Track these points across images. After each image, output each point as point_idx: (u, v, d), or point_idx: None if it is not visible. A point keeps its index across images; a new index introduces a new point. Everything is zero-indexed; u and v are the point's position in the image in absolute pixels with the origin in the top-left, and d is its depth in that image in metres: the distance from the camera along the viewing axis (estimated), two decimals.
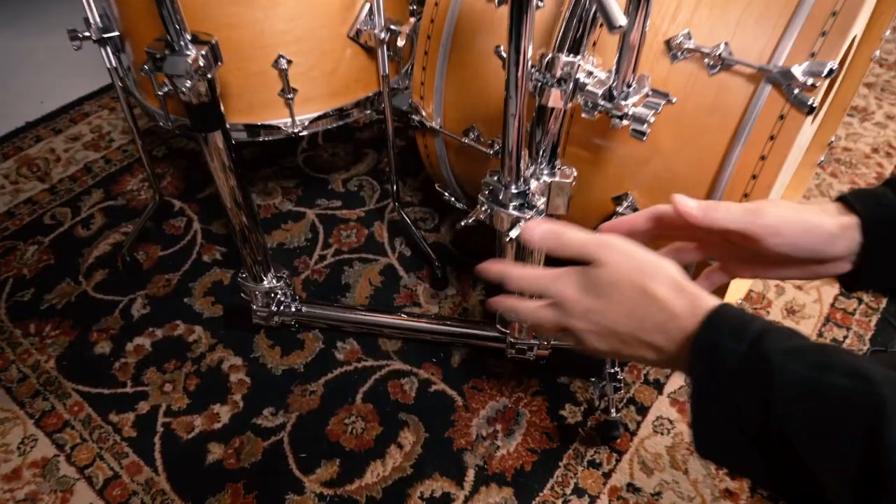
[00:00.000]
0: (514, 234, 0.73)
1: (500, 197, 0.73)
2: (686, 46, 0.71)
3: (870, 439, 0.37)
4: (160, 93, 0.93)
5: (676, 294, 0.48)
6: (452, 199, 1.15)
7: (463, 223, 0.75)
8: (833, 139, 1.13)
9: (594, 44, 0.72)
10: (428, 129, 0.97)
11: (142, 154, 1.10)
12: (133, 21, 0.91)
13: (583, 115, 0.68)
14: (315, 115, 0.95)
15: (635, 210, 0.82)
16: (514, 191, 0.72)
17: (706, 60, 0.70)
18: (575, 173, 0.76)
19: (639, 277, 0.49)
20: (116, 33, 0.94)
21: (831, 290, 1.16)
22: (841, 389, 0.39)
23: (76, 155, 1.47)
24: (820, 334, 1.09)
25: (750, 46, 0.68)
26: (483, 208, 0.75)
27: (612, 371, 0.92)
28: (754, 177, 0.69)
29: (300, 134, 0.95)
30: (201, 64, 0.72)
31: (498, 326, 1.01)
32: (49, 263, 1.23)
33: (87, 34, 0.93)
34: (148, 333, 1.11)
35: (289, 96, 0.91)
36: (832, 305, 1.14)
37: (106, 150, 1.49)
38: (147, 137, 1.51)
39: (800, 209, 0.53)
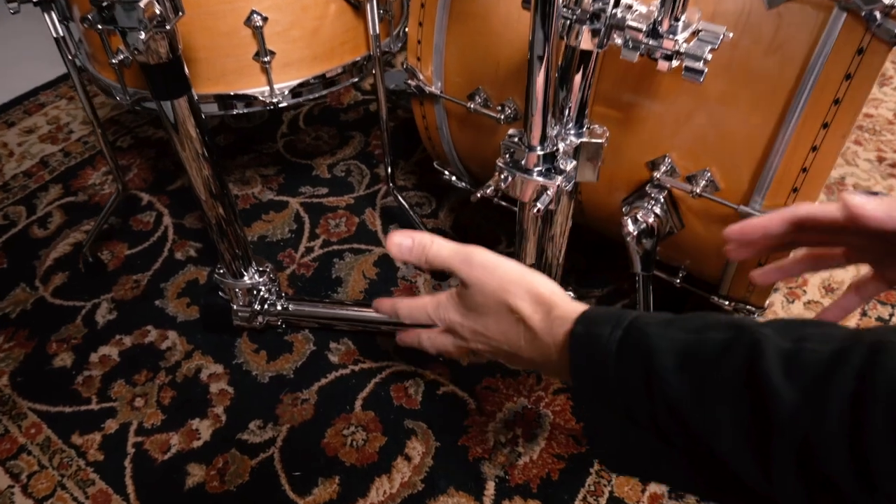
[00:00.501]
0: (540, 204, 0.61)
1: (523, 161, 0.62)
2: None
3: (750, 380, 0.34)
4: (114, 61, 0.80)
5: (534, 308, 0.48)
6: (453, 177, 1.03)
7: (479, 193, 0.63)
8: None
9: None
10: (426, 96, 0.85)
11: (101, 142, 0.96)
12: None
13: (622, 55, 0.57)
14: (296, 82, 0.83)
15: (673, 174, 0.70)
16: (540, 153, 0.61)
17: None
18: (607, 133, 0.65)
19: (502, 296, 0.49)
20: None
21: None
22: (719, 343, 0.36)
23: (31, 148, 1.33)
24: (864, 313, 0.99)
25: None
26: (502, 175, 0.63)
27: None
28: (825, 125, 0.58)
29: (280, 105, 0.83)
30: (157, 11, 0.60)
31: None
32: (1, 268, 1.09)
33: None
34: (115, 342, 0.98)
35: (265, 59, 0.79)
36: None
37: (64, 142, 1.35)
38: (111, 127, 1.38)
39: None
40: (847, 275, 1.05)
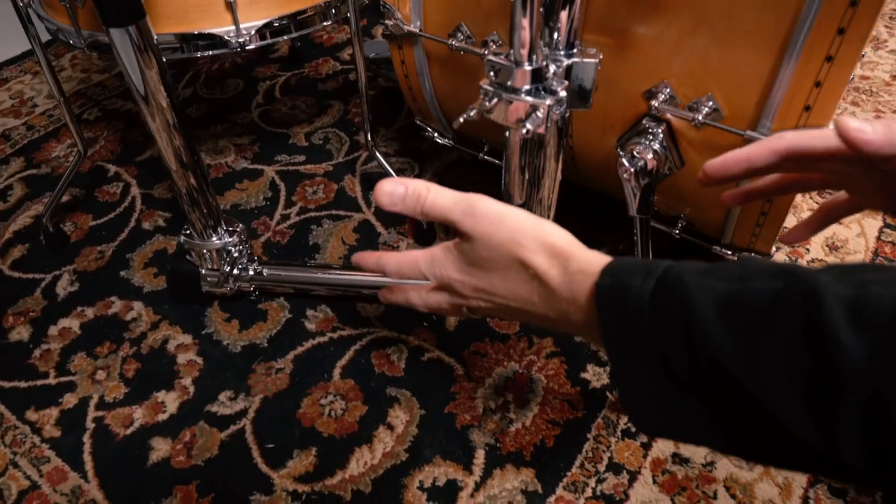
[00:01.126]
0: (530, 126, 0.55)
1: (510, 80, 0.56)
2: None
3: (809, 332, 0.30)
4: None
5: (550, 262, 0.43)
6: (435, 134, 0.97)
7: (462, 118, 0.57)
8: (864, 52, 0.98)
9: None
10: (404, 36, 0.80)
11: (62, 105, 0.90)
12: None
13: None
14: (264, 21, 0.77)
15: (673, 103, 0.65)
16: (528, 68, 0.55)
17: None
18: (601, 55, 0.59)
19: (513, 250, 0.44)
20: None
21: (874, 223, 1.01)
22: (767, 292, 0.32)
23: None
24: None
25: None
26: (487, 97, 0.57)
27: None
28: (841, 31, 0.53)
29: (246, 46, 0.76)
30: None
31: None
32: None
33: None
34: (76, 314, 0.91)
35: None
36: (878, 239, 0.99)
37: (28, 115, 1.28)
38: (77, 100, 1.31)
39: None
40: (851, 233, 1.00)
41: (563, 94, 0.58)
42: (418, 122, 0.97)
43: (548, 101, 0.55)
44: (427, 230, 0.98)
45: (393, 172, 0.97)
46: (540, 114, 0.55)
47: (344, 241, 1.01)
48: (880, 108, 1.23)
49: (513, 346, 0.86)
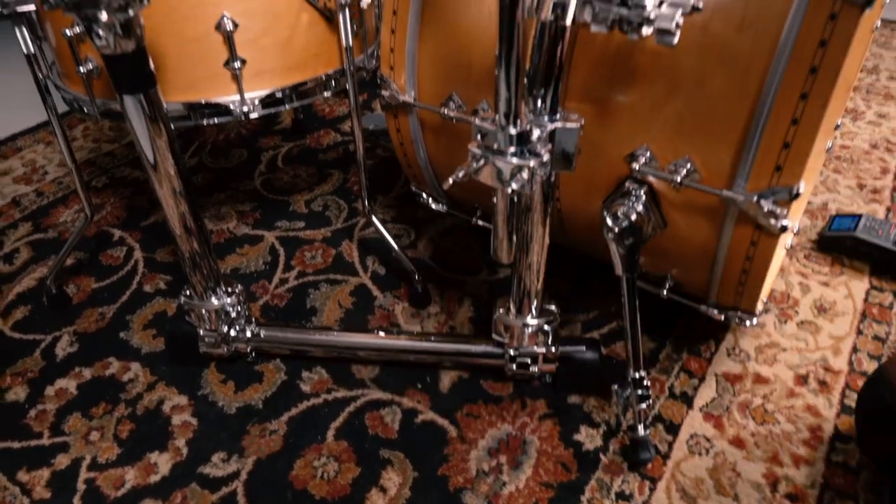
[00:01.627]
0: (515, 185, 0.58)
1: (496, 144, 0.59)
2: None
3: None
4: (83, 69, 0.78)
5: None
6: (430, 200, 1.01)
7: (451, 180, 0.61)
8: (840, 122, 1.03)
9: None
10: (400, 106, 0.84)
11: (73, 171, 0.94)
12: None
13: (592, 29, 0.55)
14: (267, 91, 0.81)
15: (653, 165, 0.68)
16: (513, 132, 0.58)
17: None
18: (582, 120, 0.63)
19: None
20: (32, 7, 0.81)
21: (861, 285, 1.03)
22: None
23: (4, 189, 1.31)
24: (859, 331, 0.95)
25: None
26: (475, 159, 0.60)
27: (637, 376, 0.76)
28: (804, 96, 0.57)
29: (251, 115, 0.81)
30: None
31: (494, 336, 0.85)
32: None
33: None
34: (74, 374, 0.92)
35: (236, 66, 0.78)
36: (866, 301, 1.00)
37: (39, 182, 1.32)
38: (87, 168, 1.36)
39: None
40: (839, 295, 1.01)
41: (546, 156, 0.61)
42: (414, 189, 1.01)
43: (532, 163, 0.59)
44: (422, 293, 1.00)
45: (390, 238, 1.00)
46: (525, 174, 0.58)
47: (340, 304, 1.02)
48: (861, 174, 1.27)
49: (506, 408, 0.86)
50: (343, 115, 1.54)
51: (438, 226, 1.17)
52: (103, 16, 0.58)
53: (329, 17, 0.83)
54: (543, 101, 0.63)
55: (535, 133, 0.61)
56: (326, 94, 0.87)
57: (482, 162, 0.60)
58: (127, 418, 0.86)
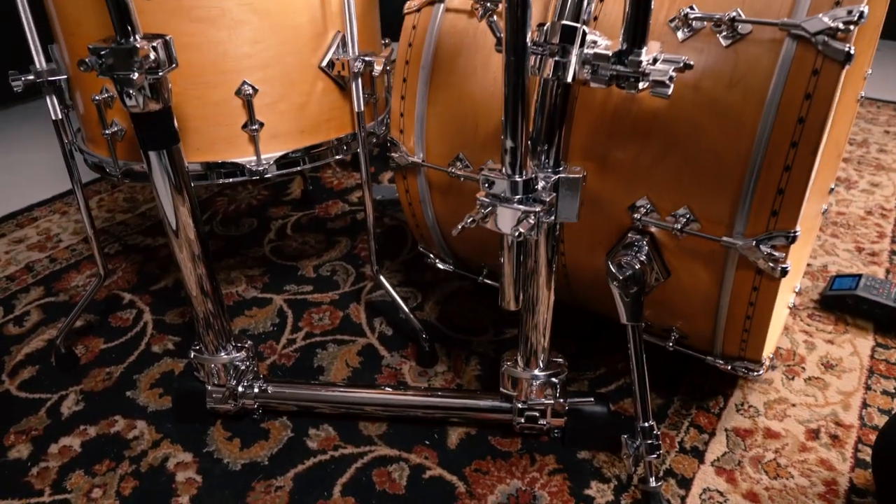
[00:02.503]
0: (522, 230, 0.61)
1: (502, 192, 0.62)
2: (694, 16, 0.64)
3: None
4: (108, 132, 0.83)
5: None
6: (437, 261, 1.03)
7: (460, 226, 0.63)
8: (833, 186, 1.07)
9: (595, 18, 0.65)
10: (409, 167, 0.88)
11: (87, 227, 0.97)
12: (84, 74, 0.83)
13: (591, 84, 0.60)
14: (282, 152, 0.85)
15: (655, 217, 0.71)
16: (519, 179, 0.62)
17: (719, 30, 0.64)
18: (585, 172, 0.66)
19: None
20: (64, 76, 0.86)
21: (866, 342, 1.04)
22: None
23: (18, 256, 1.33)
24: (868, 387, 0.95)
25: (764, 8, 0.62)
26: (483, 207, 0.63)
27: (647, 426, 0.76)
28: (794, 144, 0.60)
29: (265, 175, 0.85)
30: (151, 57, 0.63)
31: (502, 390, 0.85)
32: None
33: (30, 77, 0.84)
34: (78, 432, 0.92)
35: (254, 128, 0.82)
36: (872, 357, 1.01)
37: (52, 249, 1.35)
38: (100, 235, 1.39)
39: None
40: (844, 352, 1.02)
41: (552, 202, 0.64)
42: (421, 249, 1.03)
43: (537, 208, 0.61)
44: (429, 352, 1.01)
45: (397, 297, 1.02)
46: (531, 220, 0.61)
47: (348, 363, 1.03)
48: (858, 239, 1.30)
49: (515, 463, 0.85)
50: (350, 187, 1.59)
51: (444, 289, 1.19)
52: (135, 76, 0.62)
53: (342, 85, 0.88)
54: (547, 156, 0.66)
55: (541, 183, 0.65)
56: (338, 156, 0.91)
57: (489, 210, 0.63)
58: (130, 475, 0.85)
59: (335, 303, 1.17)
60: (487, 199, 0.63)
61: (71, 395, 0.98)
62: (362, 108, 0.87)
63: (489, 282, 0.97)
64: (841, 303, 1.10)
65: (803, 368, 0.99)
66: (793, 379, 0.97)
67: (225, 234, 1.40)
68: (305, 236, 1.38)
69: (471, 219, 0.63)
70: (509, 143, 0.61)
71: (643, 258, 0.72)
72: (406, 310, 1.01)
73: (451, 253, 0.99)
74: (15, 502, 0.82)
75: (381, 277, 1.01)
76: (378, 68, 0.83)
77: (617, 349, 1.03)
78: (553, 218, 0.66)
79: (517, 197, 0.62)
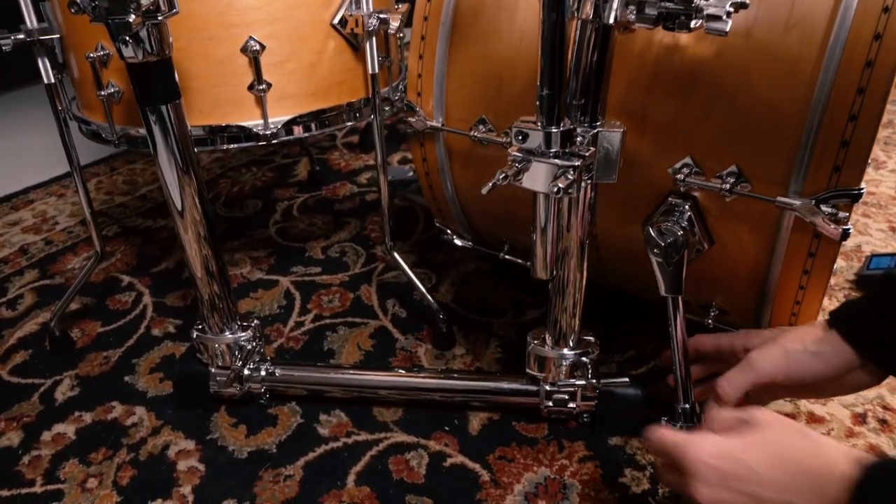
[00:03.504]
0: (562, 185, 0.55)
1: (537, 145, 0.56)
2: None
3: None
4: (103, 93, 0.77)
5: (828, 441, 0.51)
6: (454, 237, 0.97)
7: (490, 185, 0.57)
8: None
9: None
10: (427, 133, 0.82)
11: (83, 202, 0.91)
12: (78, 31, 0.77)
13: (636, 25, 0.54)
14: (291, 116, 0.79)
15: (700, 179, 0.65)
16: (556, 130, 0.56)
17: None
18: (625, 127, 0.60)
19: (814, 445, 0.50)
20: (57, 36, 0.80)
21: None
22: None
23: (12, 238, 1.28)
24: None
25: None
26: (515, 163, 0.57)
27: (687, 407, 0.69)
28: (861, 90, 0.54)
29: (273, 140, 0.79)
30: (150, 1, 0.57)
31: (528, 371, 0.79)
32: None
33: (20, 37, 0.78)
34: (73, 419, 0.86)
35: (260, 88, 0.76)
36: None
37: (48, 232, 1.30)
38: (98, 217, 1.33)
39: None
40: None
41: (591, 158, 0.58)
42: (438, 224, 0.97)
43: (577, 162, 0.55)
44: (447, 334, 0.95)
45: (412, 275, 0.96)
46: (570, 175, 0.55)
47: (360, 346, 0.97)
48: (891, 218, 1.24)
49: (542, 450, 0.79)
50: (359, 169, 1.53)
51: (461, 270, 1.13)
52: (132, 19, 0.56)
53: (355, 46, 0.82)
54: (584, 111, 0.60)
55: (578, 137, 0.59)
56: (349, 123, 0.85)
57: (523, 165, 0.57)
58: (128, 464, 0.79)
59: (345, 284, 1.11)
60: (521, 155, 0.57)
61: (66, 380, 0.92)
62: (377, 70, 0.82)
63: (510, 258, 0.91)
64: None
65: None
66: None
67: (229, 215, 1.35)
68: (313, 217, 1.32)
69: (503, 174, 0.57)
70: (546, 91, 0.55)
71: (685, 224, 0.66)
72: (422, 288, 0.95)
73: (469, 228, 0.93)
74: (4, 492, 0.76)
75: (395, 254, 0.95)
76: (394, 25, 0.77)
77: (644, 330, 0.97)
78: (592, 176, 0.60)
79: (553, 151, 0.56)
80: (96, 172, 1.55)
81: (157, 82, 0.62)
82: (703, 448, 0.53)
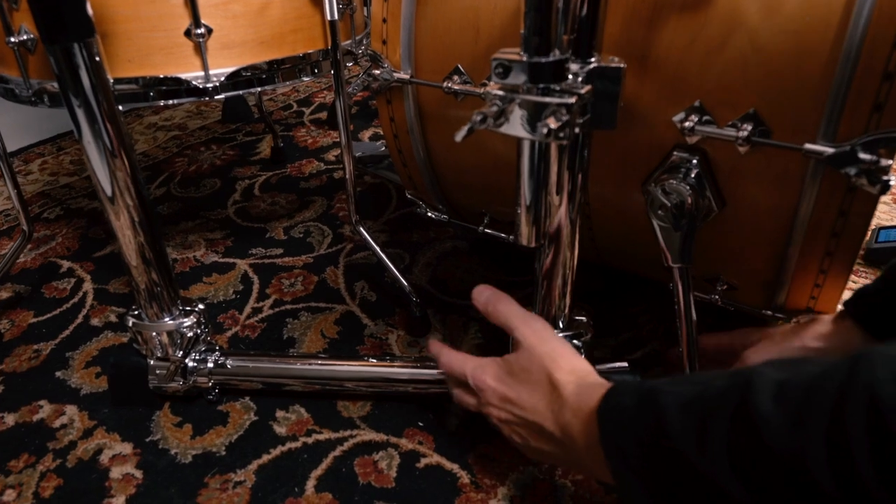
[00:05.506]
0: (553, 126, 0.45)
1: (522, 79, 0.47)
2: None
3: (740, 411, 0.36)
4: (14, 40, 0.66)
5: (568, 378, 0.53)
6: (428, 210, 0.87)
7: (465, 130, 0.47)
8: None
9: None
10: (394, 87, 0.72)
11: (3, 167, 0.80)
12: None
13: None
14: (236, 67, 0.69)
15: (712, 126, 0.55)
16: (548, 59, 0.46)
17: None
18: (624, 63, 0.50)
19: (549, 364, 0.55)
20: None
21: None
22: (719, 388, 0.39)
23: None
24: None
25: None
26: (498, 102, 0.47)
27: None
28: None
29: (215, 95, 0.68)
30: None
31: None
32: None
33: None
34: None
35: (198, 32, 0.65)
36: None
37: None
38: (39, 199, 1.22)
39: None
40: None
41: (588, 95, 0.48)
42: (410, 196, 0.87)
43: (571, 100, 0.46)
44: (421, 318, 0.85)
45: (382, 254, 0.86)
46: (563, 115, 0.45)
47: (324, 333, 0.87)
48: (894, 191, 1.17)
49: None
50: (326, 146, 1.43)
51: (437, 249, 1.03)
52: None
53: None
54: (577, 45, 0.50)
55: (571, 74, 0.49)
56: (305, 78, 0.75)
57: (506, 105, 0.47)
58: (53, 472, 0.68)
59: (309, 266, 1.00)
60: (503, 93, 0.47)
61: None
62: (336, 16, 0.71)
63: (491, 231, 0.81)
64: (890, 255, 0.96)
65: None
66: None
67: (183, 195, 1.23)
68: (275, 196, 1.21)
69: (481, 116, 0.47)
70: (532, 14, 0.45)
71: (692, 182, 0.57)
72: (393, 269, 0.85)
73: (444, 199, 0.83)
74: None
75: (362, 229, 0.84)
76: None
77: (642, 311, 0.88)
78: (586, 122, 0.50)
79: (541, 86, 0.46)
80: (41, 153, 1.43)
81: (62, 8, 0.51)
82: (487, 372, 0.59)
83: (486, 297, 0.65)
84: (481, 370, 0.59)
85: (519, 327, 0.59)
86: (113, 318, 0.91)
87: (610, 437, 0.46)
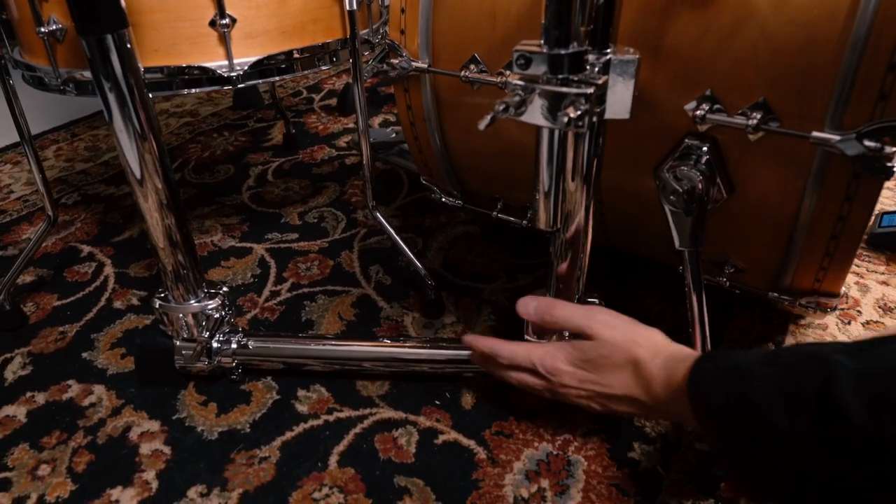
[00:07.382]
0: (572, 115, 0.47)
1: (542, 69, 0.48)
2: None
3: (823, 400, 0.41)
4: (44, 30, 0.67)
5: (651, 354, 0.57)
6: (442, 196, 0.89)
7: (488, 118, 0.49)
8: None
9: None
10: (411, 75, 0.74)
11: (26, 148, 0.82)
12: None
13: None
14: (259, 56, 0.71)
15: (723, 114, 0.57)
16: (567, 51, 0.48)
17: None
18: (638, 54, 0.52)
19: (629, 348, 0.58)
20: None
21: None
22: (798, 376, 0.44)
23: None
24: None
25: None
26: (518, 92, 0.49)
27: None
28: None
29: (239, 84, 0.70)
30: None
31: (526, 338, 0.72)
32: None
33: None
34: (24, 400, 0.77)
35: (223, 23, 0.67)
36: None
37: (2, 201, 1.20)
38: (57, 185, 1.24)
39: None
40: None
41: (604, 86, 0.50)
42: (424, 182, 0.89)
43: (589, 90, 0.48)
44: (435, 300, 0.88)
45: (397, 237, 0.88)
46: (582, 105, 0.47)
47: (341, 316, 0.89)
48: None
49: (542, 424, 0.72)
50: (338, 132, 1.44)
51: (449, 233, 1.05)
52: None
53: None
54: (594, 36, 0.52)
55: (588, 64, 0.51)
56: (324, 67, 0.77)
57: (526, 95, 0.49)
58: (85, 448, 0.71)
59: (324, 251, 1.03)
60: (523, 83, 0.49)
61: (17, 357, 0.84)
62: (354, 6, 0.73)
63: (504, 217, 0.83)
64: (893, 240, 0.98)
65: (859, 312, 0.87)
66: (849, 323, 0.85)
67: (198, 181, 1.25)
68: (289, 182, 1.24)
69: (503, 105, 0.49)
70: (553, 7, 0.47)
71: (703, 168, 0.59)
72: (408, 253, 0.87)
73: (459, 184, 0.85)
74: None
75: (377, 214, 0.87)
76: None
77: (648, 293, 0.90)
78: (603, 108, 0.52)
79: (561, 77, 0.48)
80: (56, 139, 1.45)
81: (97, 1, 0.53)
82: (558, 358, 0.62)
83: (535, 307, 0.65)
84: (552, 357, 0.62)
85: (590, 326, 0.60)
86: (135, 300, 0.93)
87: (704, 418, 0.50)
